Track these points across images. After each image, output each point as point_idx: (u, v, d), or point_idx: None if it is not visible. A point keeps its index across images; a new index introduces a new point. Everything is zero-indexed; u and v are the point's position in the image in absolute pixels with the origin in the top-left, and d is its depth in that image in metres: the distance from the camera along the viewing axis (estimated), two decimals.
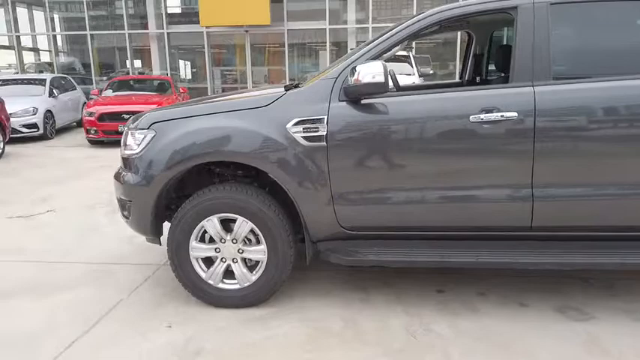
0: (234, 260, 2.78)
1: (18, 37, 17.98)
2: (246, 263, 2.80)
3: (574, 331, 2.53)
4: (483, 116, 2.48)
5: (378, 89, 2.44)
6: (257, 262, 2.78)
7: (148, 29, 17.00)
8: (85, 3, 16.89)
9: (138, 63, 18.39)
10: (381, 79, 2.39)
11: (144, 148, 2.75)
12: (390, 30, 2.70)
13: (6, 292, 3.12)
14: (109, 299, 2.99)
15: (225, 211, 2.70)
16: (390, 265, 2.79)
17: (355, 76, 2.46)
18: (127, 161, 2.87)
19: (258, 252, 2.75)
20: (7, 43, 18.19)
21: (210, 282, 2.81)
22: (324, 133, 2.57)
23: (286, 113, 2.62)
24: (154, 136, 2.74)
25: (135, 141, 2.81)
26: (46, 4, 17.48)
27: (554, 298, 2.88)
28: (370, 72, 2.40)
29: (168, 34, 16.79)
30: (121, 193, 2.91)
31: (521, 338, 2.47)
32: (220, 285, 2.82)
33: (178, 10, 18.43)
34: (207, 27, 15.92)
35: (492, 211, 2.61)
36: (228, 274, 2.82)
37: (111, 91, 11.24)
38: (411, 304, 2.86)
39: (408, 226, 2.70)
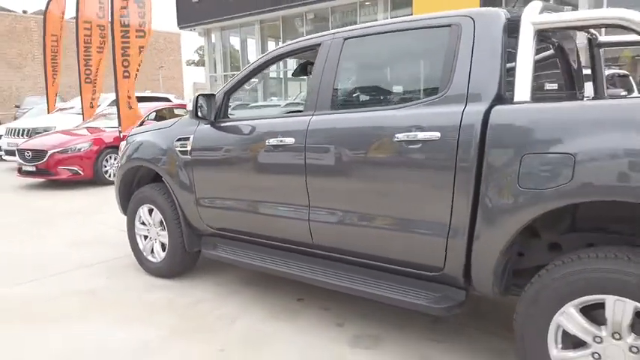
0: (156, 240, 3.76)
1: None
2: (163, 244, 3.74)
3: (340, 355, 2.57)
4: (276, 140, 2.80)
5: (191, 115, 3.08)
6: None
7: None
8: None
9: None
10: (190, 107, 3.01)
11: (121, 154, 4.01)
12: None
13: (77, 243, 4.84)
14: (113, 255, 4.36)
15: (147, 202, 3.71)
16: (227, 262, 3.28)
17: None
18: None
19: (165, 237, 3.65)
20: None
21: (144, 253, 3.85)
22: (190, 149, 3.31)
23: (177, 132, 3.46)
24: (125, 145, 3.98)
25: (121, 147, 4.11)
26: None
27: (376, 325, 2.83)
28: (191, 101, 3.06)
29: None
30: None
31: (270, 346, 2.69)
32: (149, 257, 3.83)
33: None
34: None
35: (289, 226, 2.86)
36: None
37: None
38: (266, 304, 3.23)
39: (240, 231, 3.18)
